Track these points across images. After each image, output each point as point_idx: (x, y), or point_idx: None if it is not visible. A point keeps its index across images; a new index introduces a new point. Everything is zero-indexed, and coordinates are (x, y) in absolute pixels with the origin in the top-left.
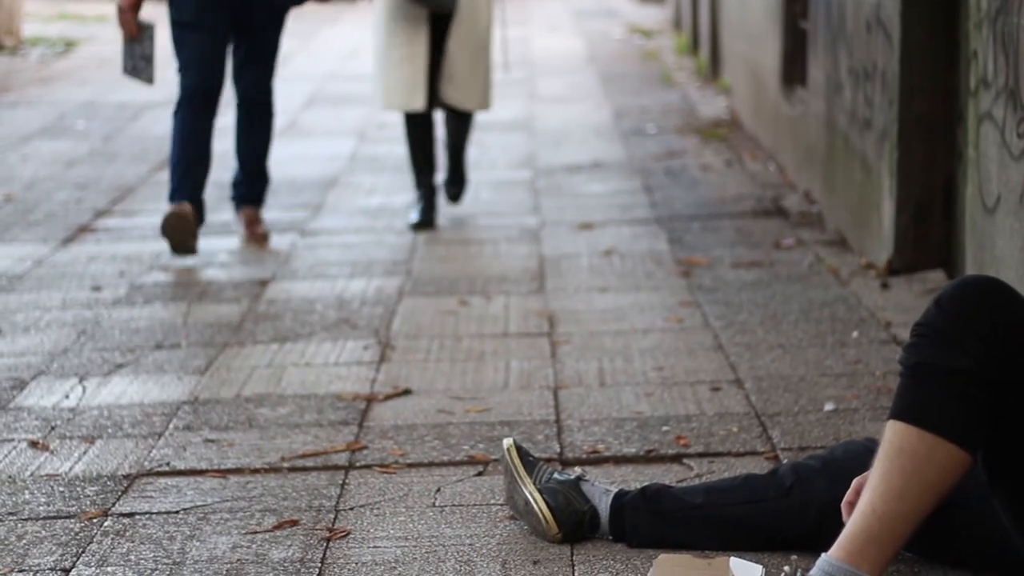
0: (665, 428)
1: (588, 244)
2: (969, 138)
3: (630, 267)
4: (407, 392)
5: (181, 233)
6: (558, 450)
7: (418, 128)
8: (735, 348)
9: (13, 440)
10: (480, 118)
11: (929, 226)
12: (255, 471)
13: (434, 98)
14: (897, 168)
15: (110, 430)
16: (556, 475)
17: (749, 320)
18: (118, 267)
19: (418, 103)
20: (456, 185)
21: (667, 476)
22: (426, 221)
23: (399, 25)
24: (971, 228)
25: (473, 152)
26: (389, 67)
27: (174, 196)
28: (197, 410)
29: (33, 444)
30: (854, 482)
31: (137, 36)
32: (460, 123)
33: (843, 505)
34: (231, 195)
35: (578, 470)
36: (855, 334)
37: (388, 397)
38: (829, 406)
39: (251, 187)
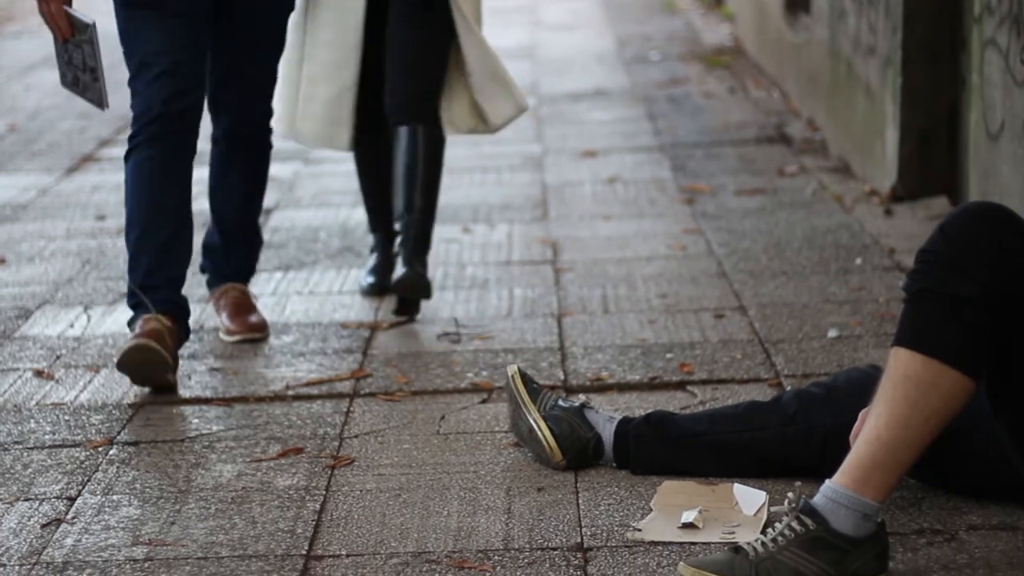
0: (669, 355)
1: (591, 172)
2: (973, 64)
3: (633, 195)
4: (411, 320)
5: (149, 367)
6: (562, 377)
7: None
8: (738, 275)
9: (18, 369)
10: None
11: (933, 153)
12: (260, 399)
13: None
14: (901, 95)
15: (115, 360)
16: (560, 402)
17: (752, 247)
18: (121, 196)
19: (344, 140)
20: (414, 287)
21: (671, 403)
22: (380, 283)
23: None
24: (975, 155)
25: None
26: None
27: (137, 304)
28: (202, 339)
29: (38, 373)
30: (861, 415)
31: (72, 39)
32: (418, 151)
33: (851, 438)
34: (202, 266)
35: (582, 397)
36: (859, 261)
37: (392, 325)
38: (832, 333)
39: (236, 256)
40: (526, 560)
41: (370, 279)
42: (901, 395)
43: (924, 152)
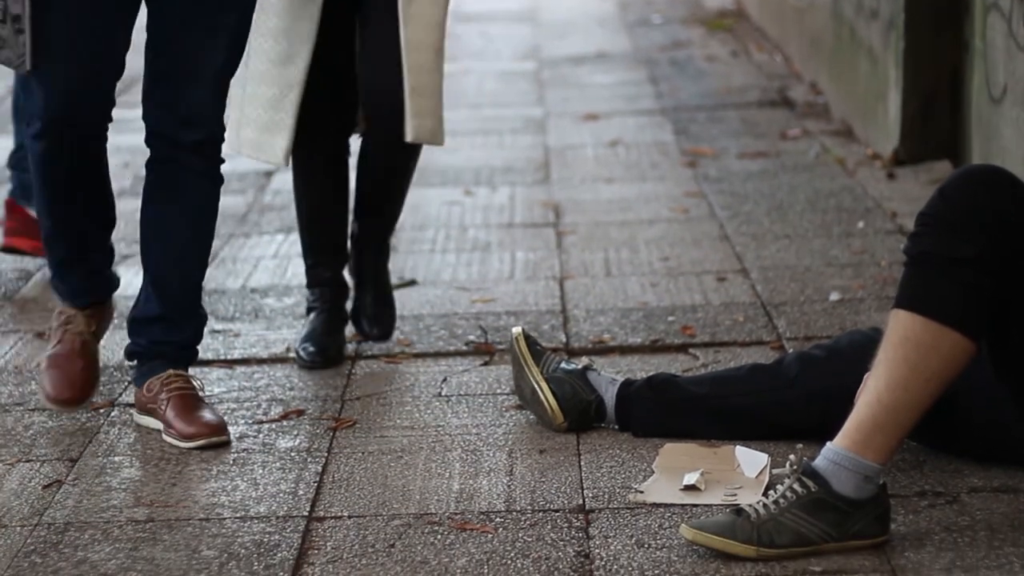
0: (671, 318)
1: (593, 135)
2: (976, 28)
3: (636, 158)
4: (413, 282)
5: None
6: (564, 340)
7: (319, 177)
8: (741, 238)
9: (19, 331)
10: (484, 7)
11: (935, 116)
12: (261, 361)
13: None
14: (903, 58)
15: (116, 321)
16: (563, 365)
17: (755, 210)
18: (122, 158)
19: (278, 151)
20: (379, 306)
21: (673, 366)
22: (321, 354)
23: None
24: (977, 119)
25: (477, 42)
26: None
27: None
28: (203, 301)
29: (39, 335)
30: (865, 378)
31: None
32: (388, 163)
33: (855, 400)
34: (129, 345)
35: (585, 360)
36: (861, 224)
37: (394, 287)
38: (834, 296)
39: (175, 330)
40: (528, 522)
41: (311, 348)
42: (901, 357)
43: (926, 116)
